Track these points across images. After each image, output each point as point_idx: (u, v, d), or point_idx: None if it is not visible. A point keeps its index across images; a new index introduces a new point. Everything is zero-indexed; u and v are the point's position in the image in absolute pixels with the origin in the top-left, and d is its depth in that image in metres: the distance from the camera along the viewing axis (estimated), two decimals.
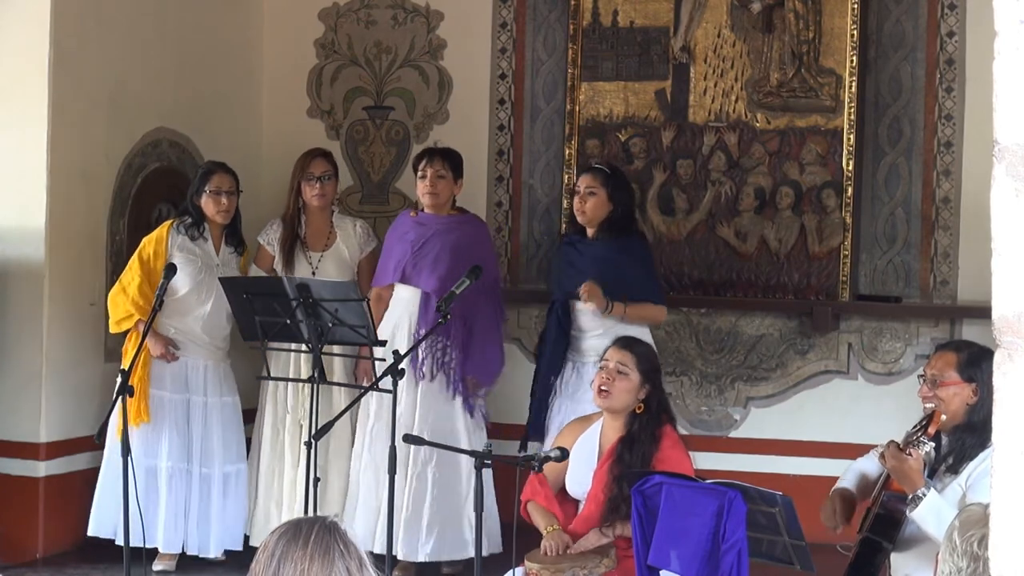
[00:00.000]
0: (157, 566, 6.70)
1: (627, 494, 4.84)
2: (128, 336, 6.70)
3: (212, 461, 6.80)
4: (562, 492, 5.26)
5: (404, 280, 6.70)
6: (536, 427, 6.52)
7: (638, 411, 5.10)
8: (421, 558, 6.58)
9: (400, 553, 6.49)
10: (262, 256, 7.02)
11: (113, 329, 6.69)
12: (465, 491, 6.58)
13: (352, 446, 6.86)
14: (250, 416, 7.11)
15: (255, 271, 6.93)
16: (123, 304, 6.61)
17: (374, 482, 6.55)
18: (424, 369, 6.57)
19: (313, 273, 6.84)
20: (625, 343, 5.32)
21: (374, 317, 6.68)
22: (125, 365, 6.49)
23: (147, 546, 6.56)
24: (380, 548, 6.27)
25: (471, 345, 6.62)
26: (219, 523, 6.81)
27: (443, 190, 6.70)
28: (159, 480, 6.69)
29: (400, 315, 6.69)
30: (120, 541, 6.54)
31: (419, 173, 6.74)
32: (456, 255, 6.59)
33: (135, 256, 6.72)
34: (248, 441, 7.05)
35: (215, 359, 6.81)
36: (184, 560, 6.81)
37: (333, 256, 6.99)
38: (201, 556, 6.80)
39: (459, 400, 6.62)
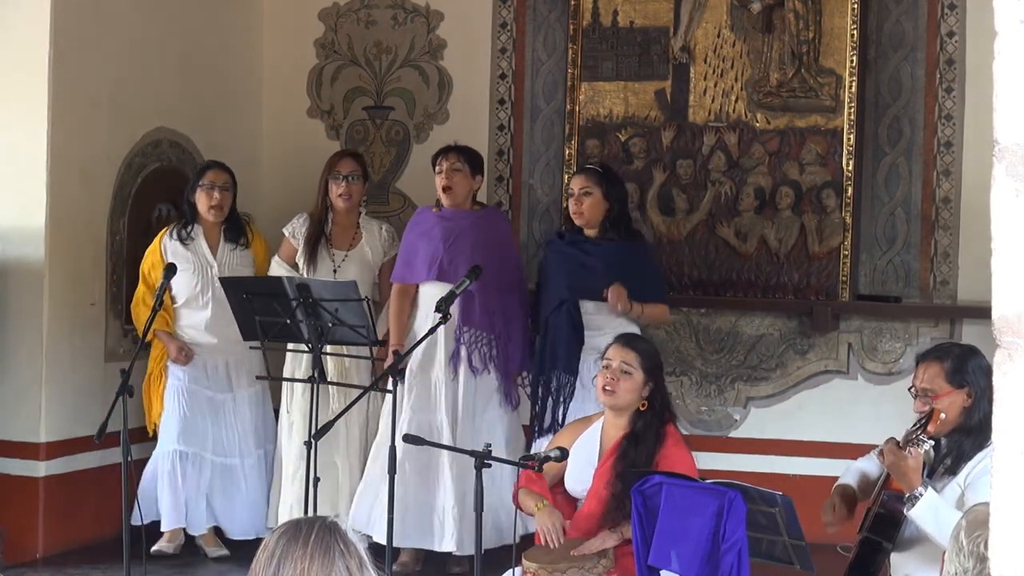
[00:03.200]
0: (166, 548, 6.80)
1: (622, 487, 4.87)
2: (153, 342, 6.88)
3: (244, 451, 6.96)
4: (559, 490, 5.26)
5: (441, 277, 6.67)
6: (544, 427, 6.51)
7: (642, 408, 5.11)
8: (468, 551, 6.62)
9: (457, 549, 6.57)
10: (285, 248, 7.06)
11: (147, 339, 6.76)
12: (497, 484, 6.59)
13: (360, 445, 6.89)
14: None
15: (277, 262, 6.97)
16: (141, 317, 6.75)
17: (415, 478, 6.57)
18: (474, 364, 6.60)
19: (335, 271, 6.88)
20: (627, 341, 5.31)
21: (401, 313, 6.71)
22: (150, 366, 6.85)
23: (172, 530, 6.85)
24: (433, 545, 6.53)
25: (512, 335, 6.67)
26: (249, 507, 6.97)
27: (459, 183, 6.71)
28: (186, 463, 6.83)
29: (430, 312, 6.66)
30: (163, 525, 6.84)
31: (436, 169, 6.78)
32: (489, 249, 6.63)
33: (140, 273, 6.91)
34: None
35: (235, 354, 6.86)
36: (186, 555, 6.86)
37: (357, 257, 7.02)
38: (223, 537, 6.97)
39: (502, 391, 6.67)
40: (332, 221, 7.05)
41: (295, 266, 6.94)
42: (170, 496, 6.84)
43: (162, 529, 6.87)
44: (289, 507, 6.82)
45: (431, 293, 6.62)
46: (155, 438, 6.95)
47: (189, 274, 6.81)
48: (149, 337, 6.65)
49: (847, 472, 4.85)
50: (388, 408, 6.67)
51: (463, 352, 6.60)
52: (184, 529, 6.94)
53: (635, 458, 5.00)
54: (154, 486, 6.89)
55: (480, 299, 6.47)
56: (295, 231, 7.05)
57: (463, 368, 6.62)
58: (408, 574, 6.68)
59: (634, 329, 6.29)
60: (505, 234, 6.89)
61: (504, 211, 7.80)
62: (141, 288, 6.84)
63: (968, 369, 4.42)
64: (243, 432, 6.95)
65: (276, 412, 7.15)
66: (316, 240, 6.98)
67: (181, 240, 6.85)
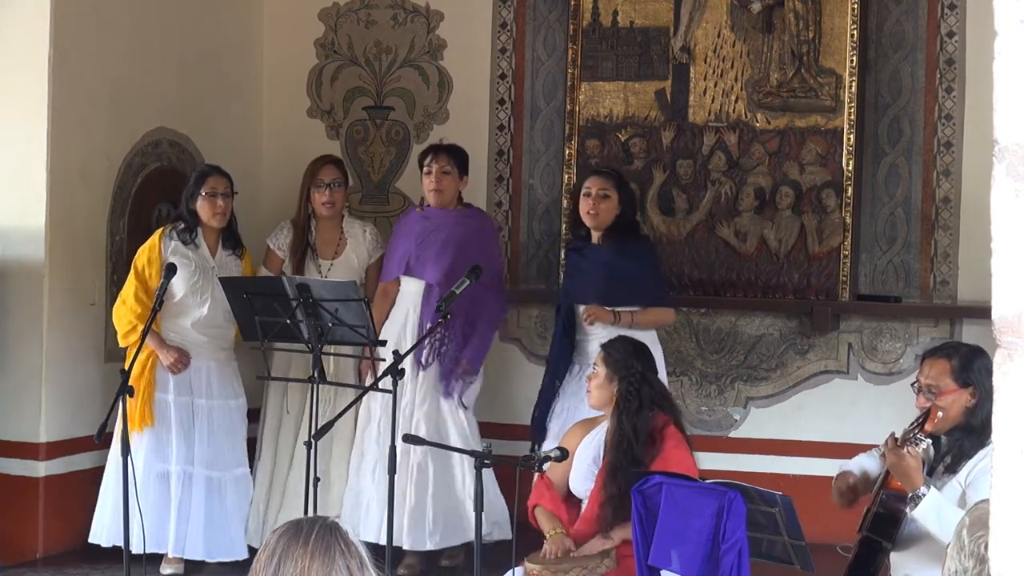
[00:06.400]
0: (165, 569, 6.67)
1: (614, 490, 4.89)
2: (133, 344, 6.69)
3: (217, 465, 6.76)
4: (568, 494, 5.27)
5: (408, 272, 6.77)
6: (540, 427, 6.54)
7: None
8: (429, 547, 6.65)
9: (406, 544, 6.58)
10: (271, 259, 7.05)
11: (122, 343, 6.64)
12: (460, 476, 6.64)
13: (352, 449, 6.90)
14: (254, 416, 7.10)
15: (265, 274, 6.93)
16: (125, 316, 6.60)
17: (384, 478, 6.59)
18: (420, 358, 6.64)
19: None
20: (607, 342, 5.36)
21: (379, 311, 6.73)
22: (134, 371, 6.52)
23: (157, 551, 6.60)
24: (395, 542, 6.40)
25: (471, 336, 6.69)
26: (222, 528, 6.76)
27: (448, 186, 6.75)
28: (169, 484, 6.66)
29: (406, 309, 6.76)
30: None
31: (424, 169, 6.79)
32: (460, 248, 6.64)
33: (131, 268, 6.72)
34: (252, 442, 7.05)
35: (218, 360, 6.80)
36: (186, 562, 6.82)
37: (343, 265, 7.01)
38: (206, 560, 6.76)
39: (437, 390, 6.69)
40: (316, 229, 7.04)
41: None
42: (171, 518, 6.66)
43: (171, 555, 6.67)
44: (292, 510, 6.80)
45: (403, 289, 6.83)
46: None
47: (190, 270, 6.68)
48: (134, 339, 6.55)
49: (848, 463, 4.84)
50: (364, 407, 6.72)
51: (420, 347, 6.63)
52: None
53: (615, 457, 4.99)
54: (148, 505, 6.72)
55: (440, 296, 6.46)
56: (279, 243, 7.04)
57: (418, 363, 6.67)
58: (415, 575, 6.70)
59: (635, 333, 6.26)
60: (484, 234, 6.88)
61: (504, 211, 7.80)
62: (131, 285, 6.62)
63: (974, 368, 4.41)
64: (217, 444, 6.77)
65: (254, 414, 7.09)
66: (302, 251, 6.97)
67: (183, 241, 6.77)
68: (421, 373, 6.68)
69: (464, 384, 6.71)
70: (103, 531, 6.66)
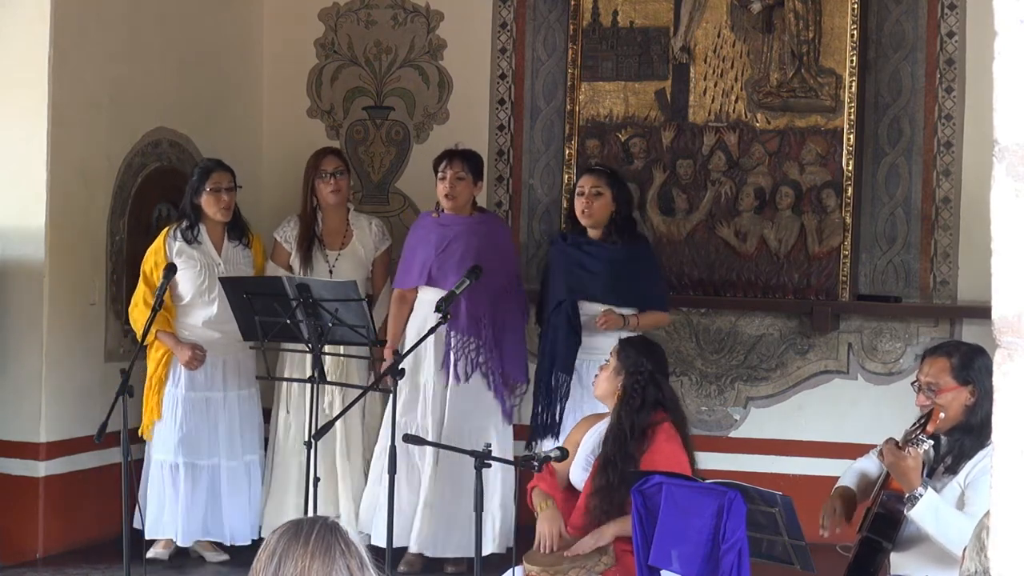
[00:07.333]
0: (151, 552, 6.73)
1: (603, 482, 4.89)
2: (152, 344, 6.75)
3: (231, 453, 6.85)
4: (569, 487, 5.28)
5: (430, 283, 6.73)
6: (545, 426, 6.50)
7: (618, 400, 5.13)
8: (448, 554, 6.64)
9: (430, 551, 6.62)
10: (278, 253, 7.08)
11: (146, 342, 6.67)
12: (492, 487, 6.59)
13: (360, 446, 6.91)
14: (266, 416, 7.12)
15: (272, 267, 6.97)
16: (139, 320, 6.66)
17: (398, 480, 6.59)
18: (459, 371, 6.61)
19: (330, 271, 6.92)
20: (623, 339, 5.40)
21: (399, 318, 6.74)
22: (150, 369, 6.73)
23: (167, 538, 6.77)
24: (415, 546, 6.55)
25: (504, 344, 6.68)
26: (238, 512, 6.87)
27: (462, 192, 6.76)
28: (179, 475, 6.73)
29: (423, 317, 6.69)
30: (175, 539, 6.77)
31: (439, 174, 6.79)
32: (480, 255, 6.64)
33: (140, 273, 6.78)
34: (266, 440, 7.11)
35: (232, 352, 6.83)
36: (181, 557, 6.84)
37: (350, 255, 7.06)
38: (222, 544, 6.86)
39: (493, 399, 6.66)
40: (322, 221, 7.07)
41: (290, 269, 6.96)
42: (166, 506, 6.74)
43: (149, 536, 6.76)
44: (290, 509, 6.81)
45: (424, 298, 6.74)
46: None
47: (195, 271, 6.76)
48: (149, 339, 6.62)
49: (847, 473, 4.84)
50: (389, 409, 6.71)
51: (452, 358, 6.62)
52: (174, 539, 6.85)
53: (610, 451, 5.00)
54: (152, 493, 6.81)
55: (467, 304, 6.50)
56: (287, 236, 7.08)
57: (451, 375, 6.64)
58: (414, 573, 6.69)
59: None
60: (501, 240, 6.88)
61: (504, 211, 7.81)
62: (141, 288, 6.72)
63: (974, 367, 4.42)
64: (234, 434, 6.87)
65: (267, 415, 7.12)
66: (309, 242, 7.00)
67: (186, 240, 6.82)
68: (462, 384, 6.63)
69: (516, 397, 6.75)
70: (150, 523, 6.77)
